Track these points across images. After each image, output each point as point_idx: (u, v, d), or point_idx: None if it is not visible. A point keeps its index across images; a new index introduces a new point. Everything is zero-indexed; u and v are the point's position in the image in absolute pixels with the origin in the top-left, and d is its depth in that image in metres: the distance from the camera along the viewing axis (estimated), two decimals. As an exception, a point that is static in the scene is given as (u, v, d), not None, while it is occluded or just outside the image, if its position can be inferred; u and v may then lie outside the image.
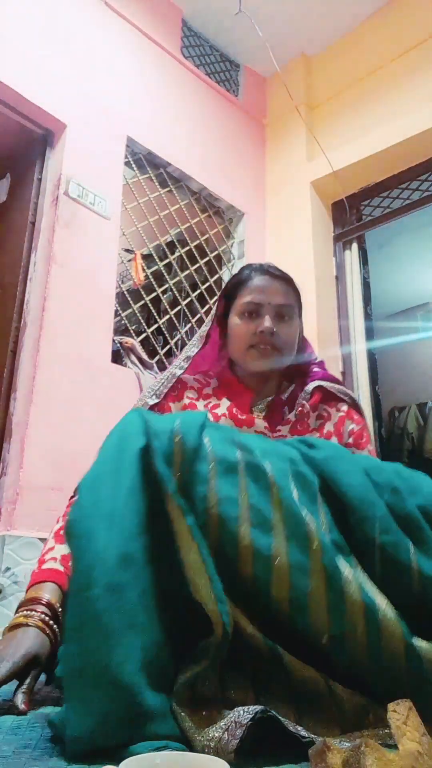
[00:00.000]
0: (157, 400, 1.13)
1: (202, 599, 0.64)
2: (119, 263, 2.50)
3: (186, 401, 1.16)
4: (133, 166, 2.70)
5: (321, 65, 3.32)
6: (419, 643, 0.66)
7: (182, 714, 0.62)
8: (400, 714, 0.53)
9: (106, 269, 2.38)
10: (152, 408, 1.12)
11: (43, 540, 1.05)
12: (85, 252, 2.31)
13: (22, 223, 2.34)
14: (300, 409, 1.14)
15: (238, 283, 1.21)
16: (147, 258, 2.77)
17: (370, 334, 2.97)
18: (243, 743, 0.58)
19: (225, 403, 1.15)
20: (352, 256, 3.10)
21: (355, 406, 1.21)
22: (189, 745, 0.60)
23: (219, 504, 0.70)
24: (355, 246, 3.11)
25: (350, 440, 1.16)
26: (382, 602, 0.67)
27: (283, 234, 3.18)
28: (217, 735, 0.59)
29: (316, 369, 1.25)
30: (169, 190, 2.87)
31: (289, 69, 3.31)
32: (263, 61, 3.29)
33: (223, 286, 1.26)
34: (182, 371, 1.17)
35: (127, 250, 2.71)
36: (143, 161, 2.75)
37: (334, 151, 2.99)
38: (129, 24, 2.78)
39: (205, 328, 1.21)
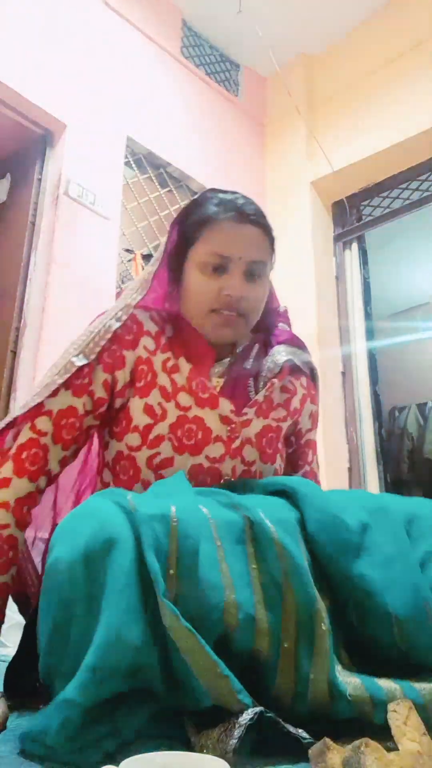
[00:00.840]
0: (86, 361, 0.88)
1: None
2: (119, 263, 2.50)
3: (142, 353, 0.94)
4: (133, 166, 2.70)
5: (321, 65, 3.32)
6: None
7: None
8: (400, 714, 0.53)
9: (106, 269, 2.38)
10: (81, 370, 0.89)
11: (44, 540, 1.02)
12: (85, 252, 2.31)
13: (22, 223, 2.34)
14: (269, 390, 0.97)
15: (201, 221, 0.93)
16: (147, 258, 2.77)
17: (370, 334, 2.97)
18: (242, 743, 0.58)
19: (184, 366, 0.94)
20: (352, 256, 3.10)
21: (314, 377, 1.08)
22: (188, 744, 0.60)
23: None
24: (355, 246, 3.11)
25: (309, 424, 1.06)
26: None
27: (283, 234, 3.15)
28: (216, 735, 0.59)
29: (281, 324, 1.10)
30: (169, 190, 2.87)
31: (289, 69, 3.31)
32: (263, 61, 3.29)
33: (179, 211, 0.99)
34: (120, 323, 0.91)
35: (127, 250, 2.71)
36: (143, 161, 2.75)
37: (334, 151, 2.99)
38: (129, 24, 2.78)
39: (150, 269, 0.95)
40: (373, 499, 0.82)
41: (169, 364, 0.94)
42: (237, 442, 0.93)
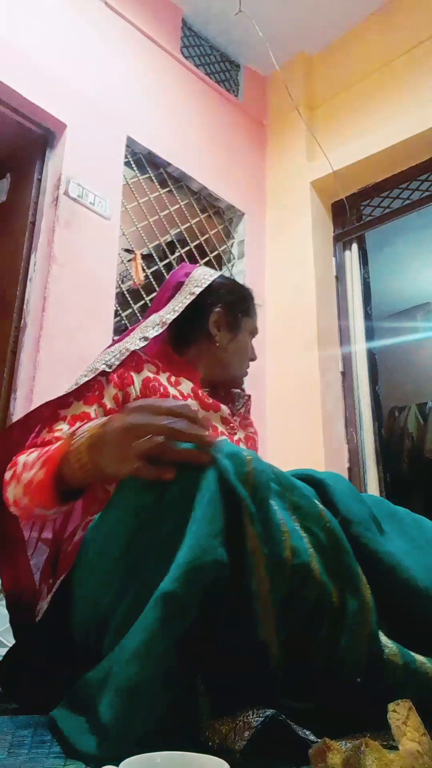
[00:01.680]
0: (108, 370, 1.07)
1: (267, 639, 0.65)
2: (119, 263, 2.50)
3: (148, 374, 1.13)
4: (133, 166, 2.70)
5: (321, 65, 3.32)
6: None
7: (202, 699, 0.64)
8: (400, 714, 0.53)
9: (106, 269, 2.38)
10: (91, 383, 1.05)
11: (47, 541, 1.03)
12: (85, 252, 2.31)
13: (22, 224, 2.34)
14: (248, 405, 1.31)
15: (250, 303, 1.36)
16: (147, 258, 2.77)
17: (370, 334, 2.97)
18: (250, 744, 0.58)
19: (187, 382, 1.17)
20: (352, 256, 3.10)
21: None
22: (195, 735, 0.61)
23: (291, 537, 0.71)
24: (355, 246, 3.11)
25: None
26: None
27: (283, 234, 3.18)
28: (225, 731, 0.59)
29: None
30: (169, 190, 2.87)
31: (289, 69, 3.31)
32: (263, 61, 3.29)
33: (235, 294, 1.34)
34: (137, 348, 1.12)
35: (127, 250, 2.71)
36: (143, 161, 2.75)
37: (334, 151, 2.99)
38: (129, 24, 2.78)
39: (171, 317, 1.18)
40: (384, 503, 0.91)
41: (173, 379, 1.16)
42: (235, 438, 1.17)
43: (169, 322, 1.18)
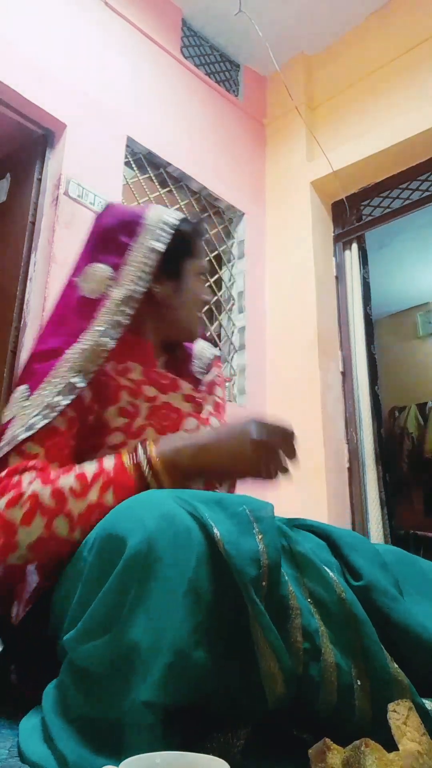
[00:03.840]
0: (83, 384, 0.90)
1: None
2: (119, 263, 2.50)
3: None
4: (133, 166, 2.70)
5: (321, 65, 3.32)
6: None
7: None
8: (400, 714, 0.53)
9: (106, 269, 2.38)
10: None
11: None
12: (85, 252, 2.31)
13: (22, 223, 2.34)
14: (217, 374, 1.15)
15: (191, 238, 1.08)
16: (147, 258, 2.76)
17: (370, 334, 2.97)
18: (248, 744, 0.58)
19: (136, 366, 0.99)
20: (352, 256, 3.10)
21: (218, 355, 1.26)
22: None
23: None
24: (355, 246, 3.11)
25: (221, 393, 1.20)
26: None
27: (283, 234, 3.18)
28: (222, 737, 0.59)
29: None
30: (169, 190, 2.87)
31: (289, 69, 3.31)
32: (263, 61, 3.29)
33: (166, 232, 1.03)
34: (115, 342, 0.93)
35: (127, 250, 2.71)
36: (143, 161, 2.75)
37: (334, 151, 2.99)
38: (129, 24, 2.78)
39: (140, 287, 0.97)
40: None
41: (120, 367, 0.98)
42: (204, 413, 1.04)
43: (138, 294, 0.96)
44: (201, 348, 1.19)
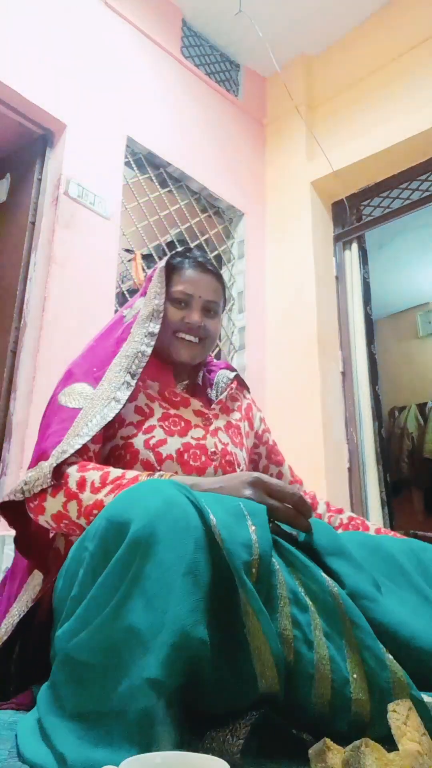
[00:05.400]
0: (133, 383, 1.05)
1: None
2: (119, 263, 2.50)
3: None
4: (133, 166, 2.70)
5: (321, 65, 3.32)
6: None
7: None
8: (400, 714, 0.53)
9: (106, 269, 2.38)
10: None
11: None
12: (85, 252, 2.31)
13: (22, 223, 2.34)
14: (230, 392, 1.23)
15: (172, 268, 1.20)
16: (147, 258, 2.77)
17: (370, 334, 2.97)
18: (248, 744, 0.58)
19: (153, 385, 1.13)
20: (352, 256, 3.10)
21: (249, 391, 1.35)
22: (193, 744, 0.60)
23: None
24: (355, 246, 3.11)
25: (263, 426, 1.30)
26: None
27: (283, 234, 3.18)
28: (221, 736, 0.59)
29: (212, 359, 1.35)
30: (169, 190, 2.87)
31: (289, 69, 3.31)
32: (263, 61, 3.29)
33: (161, 263, 1.21)
34: (150, 349, 1.08)
35: (127, 250, 2.71)
36: (143, 161, 2.75)
37: (334, 151, 2.99)
38: (129, 24, 2.78)
39: (159, 302, 1.13)
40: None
41: (141, 384, 1.12)
42: (212, 427, 1.13)
43: (161, 310, 1.12)
44: (220, 375, 1.28)
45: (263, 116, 3.46)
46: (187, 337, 1.15)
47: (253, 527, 0.68)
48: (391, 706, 0.54)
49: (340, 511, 1.30)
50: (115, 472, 0.90)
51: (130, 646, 0.59)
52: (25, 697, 0.88)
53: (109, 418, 0.98)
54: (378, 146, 2.85)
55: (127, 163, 2.65)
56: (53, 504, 0.90)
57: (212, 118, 3.11)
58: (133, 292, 2.67)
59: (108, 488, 0.87)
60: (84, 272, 2.28)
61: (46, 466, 0.92)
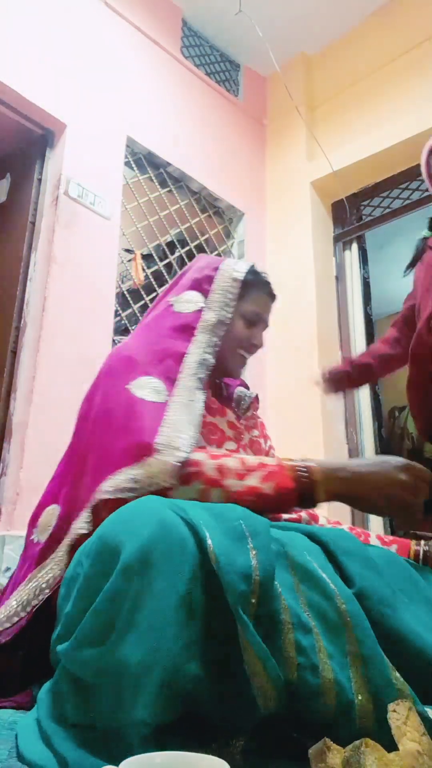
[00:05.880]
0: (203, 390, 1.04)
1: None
2: (119, 263, 2.50)
3: None
4: (133, 166, 2.70)
5: (321, 65, 3.32)
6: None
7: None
8: (400, 714, 0.53)
9: (106, 269, 2.38)
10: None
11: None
12: (85, 252, 2.31)
13: (22, 223, 2.34)
14: (255, 409, 1.27)
15: (245, 284, 1.22)
16: (147, 258, 2.77)
17: (370, 334, 2.97)
18: (247, 745, 0.58)
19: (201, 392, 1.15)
20: (352, 256, 3.10)
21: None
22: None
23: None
24: (355, 246, 3.11)
25: (269, 442, 1.30)
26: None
27: (283, 234, 3.18)
28: (222, 739, 0.59)
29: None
30: (169, 190, 2.87)
31: (289, 69, 3.31)
32: (263, 61, 3.29)
33: (236, 273, 1.22)
34: (213, 360, 1.08)
35: (127, 250, 2.71)
36: (143, 161, 2.75)
37: (334, 151, 2.99)
38: (129, 24, 2.78)
39: (227, 314, 1.14)
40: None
41: None
42: (243, 442, 1.14)
43: (227, 320, 1.12)
44: (239, 392, 1.30)
45: (263, 116, 3.46)
46: (247, 354, 1.20)
47: (254, 551, 0.65)
48: (391, 707, 0.54)
49: (338, 524, 1.29)
50: (249, 458, 0.90)
51: (124, 679, 0.58)
52: (24, 697, 0.88)
53: (201, 411, 0.98)
54: (378, 146, 2.85)
55: (127, 163, 2.65)
56: (184, 493, 0.85)
57: (212, 118, 3.11)
58: (133, 292, 2.67)
59: (257, 474, 0.87)
60: (84, 272, 2.28)
61: (172, 458, 0.87)
